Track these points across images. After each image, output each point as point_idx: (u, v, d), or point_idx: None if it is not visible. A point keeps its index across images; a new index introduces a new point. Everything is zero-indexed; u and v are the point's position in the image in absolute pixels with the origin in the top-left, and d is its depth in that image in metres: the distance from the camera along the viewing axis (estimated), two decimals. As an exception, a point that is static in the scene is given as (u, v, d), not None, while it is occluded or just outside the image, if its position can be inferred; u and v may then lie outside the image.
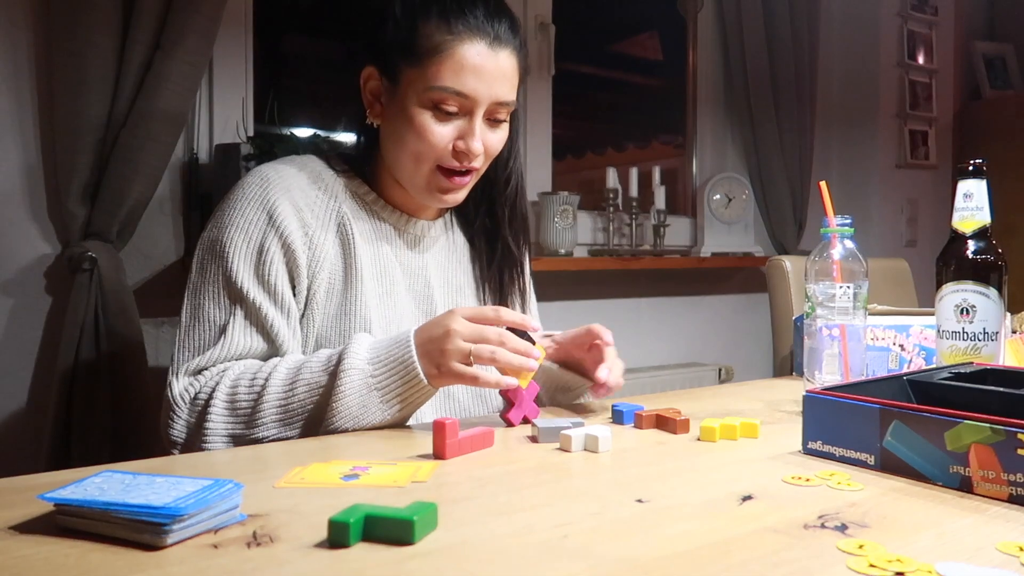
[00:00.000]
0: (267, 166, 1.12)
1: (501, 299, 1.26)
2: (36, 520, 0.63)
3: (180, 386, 1.01)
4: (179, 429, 1.00)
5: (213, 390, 0.99)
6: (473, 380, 0.96)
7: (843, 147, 3.13)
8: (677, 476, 0.79)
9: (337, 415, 0.95)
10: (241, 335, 1.03)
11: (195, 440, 0.99)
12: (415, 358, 0.95)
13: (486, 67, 1.05)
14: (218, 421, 0.98)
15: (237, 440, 0.98)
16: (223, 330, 1.03)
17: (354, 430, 0.96)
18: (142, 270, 1.79)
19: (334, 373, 0.96)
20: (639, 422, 1.00)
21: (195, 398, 1.00)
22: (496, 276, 1.25)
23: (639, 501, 0.70)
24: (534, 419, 0.99)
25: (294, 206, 1.07)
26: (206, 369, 1.02)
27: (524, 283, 1.28)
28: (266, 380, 0.98)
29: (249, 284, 1.04)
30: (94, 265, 1.61)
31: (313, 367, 0.98)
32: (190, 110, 1.78)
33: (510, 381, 0.98)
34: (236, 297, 1.04)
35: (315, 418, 0.97)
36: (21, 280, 1.66)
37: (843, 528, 0.63)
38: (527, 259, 1.29)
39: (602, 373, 1.08)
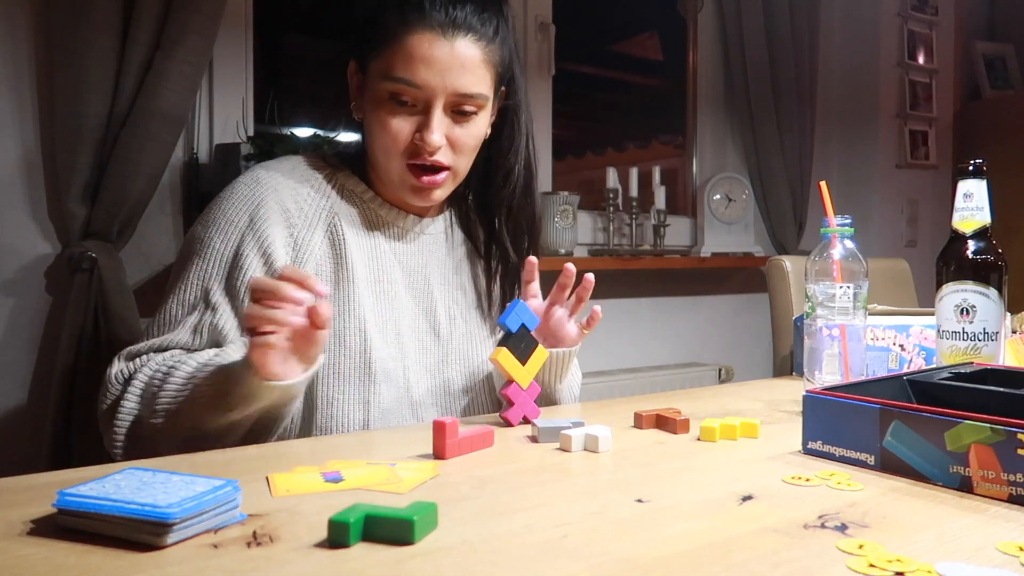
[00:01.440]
0: (261, 166, 1.12)
1: (501, 301, 1.24)
2: (37, 520, 0.63)
3: (116, 368, 1.01)
4: (105, 408, 1.00)
5: (135, 372, 0.99)
6: (264, 348, 0.86)
7: (843, 147, 3.13)
8: (677, 476, 0.79)
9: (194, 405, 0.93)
10: (188, 332, 1.02)
11: (110, 418, 0.98)
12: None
13: (438, 56, 1.02)
14: (131, 401, 0.97)
15: (137, 423, 0.97)
16: (174, 324, 1.03)
17: (220, 426, 0.94)
18: (142, 270, 1.79)
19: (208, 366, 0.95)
20: (639, 422, 1.00)
21: (128, 380, 1.00)
22: (496, 278, 1.24)
23: (639, 501, 0.70)
24: (534, 419, 0.99)
25: (280, 207, 1.07)
26: (141, 355, 1.02)
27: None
28: (172, 368, 0.97)
29: (215, 287, 1.03)
30: (94, 265, 1.61)
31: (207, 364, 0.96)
32: (190, 110, 1.78)
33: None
34: (201, 297, 1.04)
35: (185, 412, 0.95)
36: (21, 280, 1.66)
37: (843, 528, 0.63)
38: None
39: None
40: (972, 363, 1.04)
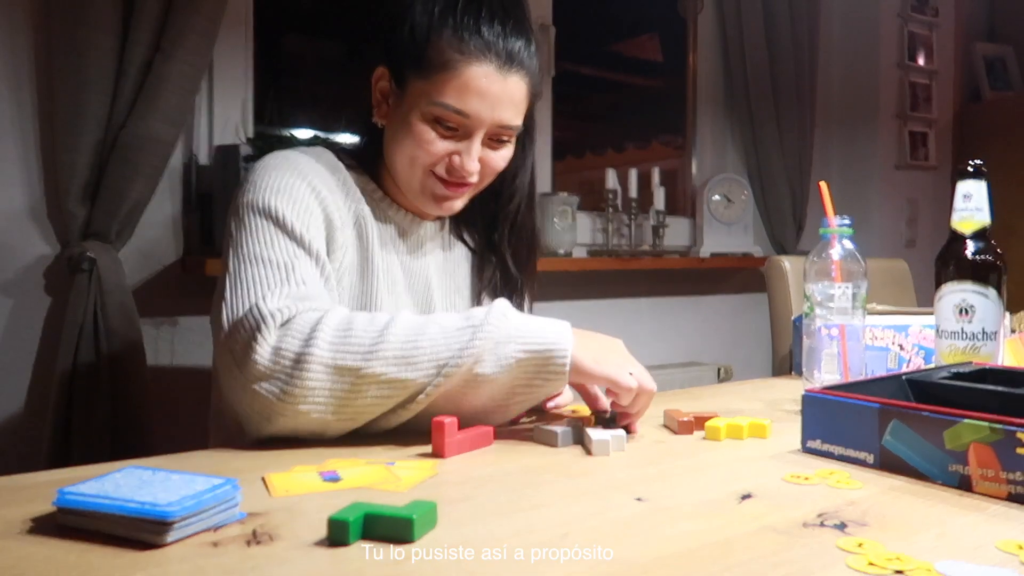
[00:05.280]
0: (288, 150, 1.09)
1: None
2: (37, 519, 0.63)
3: (272, 304, 0.88)
4: (263, 353, 0.85)
5: (321, 318, 0.87)
6: (627, 391, 0.91)
7: (843, 148, 3.13)
8: (677, 476, 0.79)
9: (471, 353, 0.86)
10: (312, 274, 0.96)
11: (286, 370, 0.85)
12: (568, 337, 0.90)
13: (492, 90, 1.02)
14: (325, 348, 0.85)
15: (344, 374, 0.85)
16: (290, 267, 0.94)
17: (463, 389, 0.88)
18: (142, 270, 1.79)
19: (483, 318, 0.88)
20: (685, 429, 0.97)
21: (290, 321, 0.87)
22: (494, 291, 1.23)
23: (639, 500, 0.70)
24: (519, 419, 0.98)
25: (326, 186, 1.06)
26: (305, 299, 0.91)
27: (522, 301, 1.25)
28: (389, 321, 0.88)
29: (303, 231, 0.98)
30: (93, 265, 1.61)
31: (450, 317, 0.90)
32: (190, 111, 1.78)
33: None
34: (296, 240, 0.97)
35: (440, 360, 0.86)
36: (21, 280, 1.66)
37: (842, 527, 0.63)
38: (532, 280, 1.25)
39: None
40: (971, 363, 1.04)
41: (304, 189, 1.02)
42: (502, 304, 0.92)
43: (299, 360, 0.85)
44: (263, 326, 0.87)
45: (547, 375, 0.90)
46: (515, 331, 0.89)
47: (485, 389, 0.89)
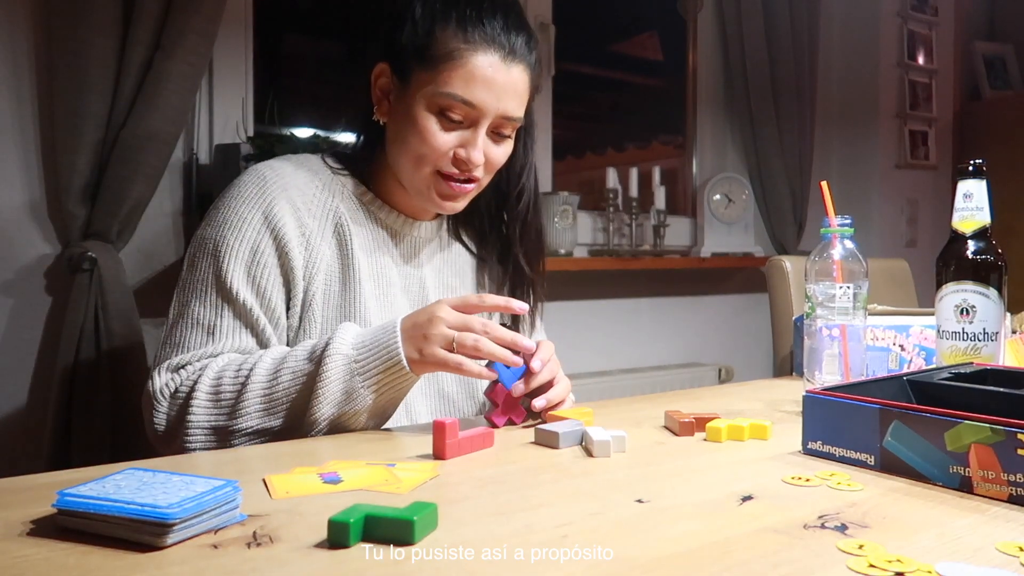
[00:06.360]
0: (263, 165, 1.11)
1: (512, 318, 1.24)
2: (37, 520, 0.63)
3: (161, 381, 1.00)
4: (160, 421, 0.99)
5: (195, 383, 0.98)
6: (456, 367, 0.95)
7: (843, 147, 3.13)
8: (677, 476, 0.79)
9: (320, 400, 0.94)
10: (230, 335, 1.03)
11: (177, 432, 0.98)
12: (399, 343, 0.94)
13: (497, 79, 1.04)
14: (200, 413, 0.97)
15: (219, 432, 0.97)
16: (210, 330, 1.02)
17: (338, 420, 0.96)
18: (142, 270, 1.79)
19: (319, 360, 0.95)
20: (686, 430, 0.97)
21: (176, 392, 0.99)
22: (507, 294, 1.23)
23: (639, 501, 0.70)
24: (519, 421, 0.98)
25: (291, 206, 1.07)
26: (188, 364, 1.01)
27: (534, 301, 1.25)
28: (251, 370, 0.97)
29: (240, 285, 1.03)
30: (94, 265, 1.61)
31: (298, 355, 0.97)
32: (190, 110, 1.78)
33: (490, 374, 0.97)
34: (226, 297, 1.03)
35: (299, 407, 0.96)
36: (21, 280, 1.66)
37: (843, 528, 0.63)
38: (542, 279, 1.25)
39: (538, 403, 1.02)
40: (972, 363, 1.04)
41: (258, 226, 1.05)
42: (339, 337, 0.96)
43: (180, 424, 0.98)
44: (156, 403, 1.00)
45: (393, 379, 0.96)
46: (353, 363, 0.95)
47: (354, 419, 0.97)
